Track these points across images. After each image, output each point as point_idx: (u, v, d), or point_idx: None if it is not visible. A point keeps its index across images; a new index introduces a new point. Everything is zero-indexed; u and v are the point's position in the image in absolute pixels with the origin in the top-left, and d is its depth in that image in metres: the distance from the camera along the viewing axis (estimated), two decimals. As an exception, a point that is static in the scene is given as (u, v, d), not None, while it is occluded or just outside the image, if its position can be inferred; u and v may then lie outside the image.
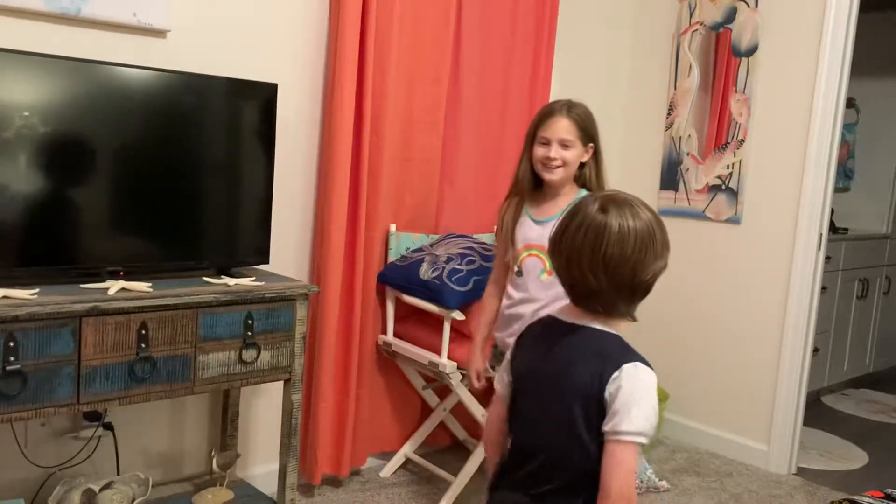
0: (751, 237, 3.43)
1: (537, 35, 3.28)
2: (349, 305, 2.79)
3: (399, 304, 2.90)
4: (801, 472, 3.40)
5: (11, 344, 1.82)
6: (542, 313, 1.98)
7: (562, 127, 2.15)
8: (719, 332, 3.54)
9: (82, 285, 2.04)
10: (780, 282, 3.34)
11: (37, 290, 1.93)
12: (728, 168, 3.49)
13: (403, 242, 2.96)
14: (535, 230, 2.18)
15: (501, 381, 1.53)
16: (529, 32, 3.26)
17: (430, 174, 3.04)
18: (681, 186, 3.66)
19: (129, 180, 2.21)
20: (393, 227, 2.93)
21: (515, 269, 2.23)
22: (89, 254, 2.16)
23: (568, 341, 1.41)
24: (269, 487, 2.66)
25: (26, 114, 2.00)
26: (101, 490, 2.28)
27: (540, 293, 2.17)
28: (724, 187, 3.50)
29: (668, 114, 3.71)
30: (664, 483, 3.11)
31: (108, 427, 2.41)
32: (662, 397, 3.54)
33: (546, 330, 1.47)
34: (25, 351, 1.84)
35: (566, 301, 1.44)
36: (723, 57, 3.51)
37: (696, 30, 3.60)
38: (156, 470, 2.56)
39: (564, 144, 2.14)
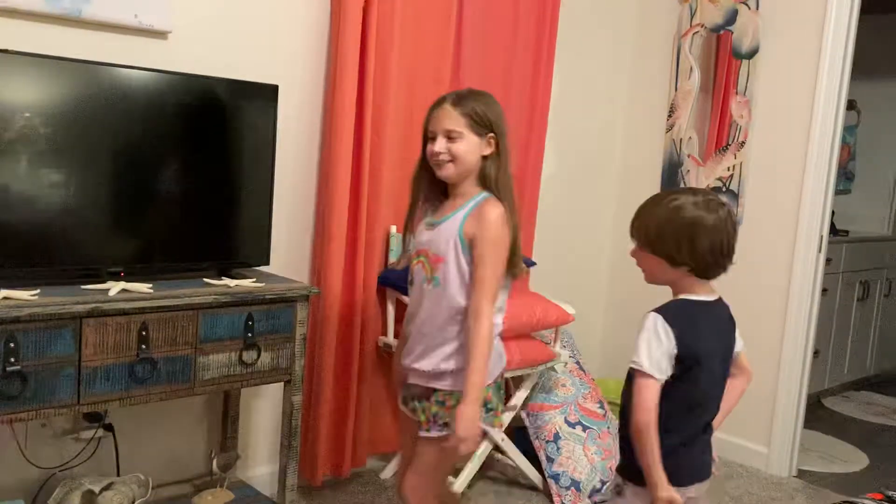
0: (751, 239, 3.42)
1: (538, 37, 3.29)
2: (350, 307, 2.79)
3: (399, 305, 2.90)
4: (801, 474, 3.40)
5: (12, 345, 1.82)
6: (425, 330, 1.95)
7: (446, 117, 1.91)
8: (720, 334, 3.54)
9: (83, 286, 2.04)
10: (780, 284, 3.34)
11: (38, 291, 1.93)
12: (729, 170, 3.49)
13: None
14: (426, 234, 1.99)
15: (661, 369, 1.67)
16: (530, 34, 3.26)
17: (431, 176, 3.03)
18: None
19: (130, 181, 2.21)
20: (393, 229, 2.93)
21: (409, 277, 2.04)
22: (90, 255, 2.16)
23: (720, 315, 1.84)
24: (269, 489, 2.66)
25: (27, 115, 2.00)
26: (101, 491, 2.28)
27: (421, 303, 1.97)
28: (724, 189, 3.50)
29: (669, 116, 3.71)
30: (664, 485, 3.10)
31: (109, 428, 2.40)
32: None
33: (700, 311, 1.77)
34: (26, 352, 1.85)
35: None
36: (724, 59, 3.51)
37: (697, 32, 3.60)
38: (156, 471, 2.55)
39: (450, 136, 1.90)
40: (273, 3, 2.62)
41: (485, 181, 1.94)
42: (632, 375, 1.71)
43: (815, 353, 3.50)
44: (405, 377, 2.04)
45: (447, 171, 1.93)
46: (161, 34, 2.39)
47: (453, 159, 1.91)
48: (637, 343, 1.69)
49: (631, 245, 1.81)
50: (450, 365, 1.92)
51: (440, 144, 1.90)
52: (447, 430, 1.89)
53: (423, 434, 1.95)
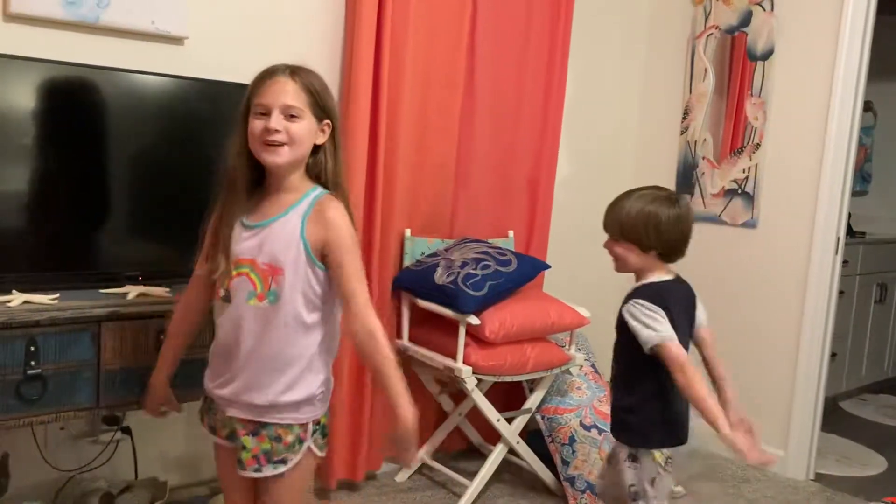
0: (767, 241, 3.41)
1: (552, 39, 3.29)
2: (365, 310, 2.79)
3: (414, 308, 2.90)
4: (818, 477, 3.37)
5: (32, 348, 1.84)
6: (254, 356, 1.66)
7: (284, 90, 1.61)
8: (735, 336, 3.51)
9: (101, 290, 2.06)
10: (796, 286, 3.32)
11: (57, 295, 1.96)
12: (744, 172, 3.48)
13: (418, 247, 2.97)
14: (247, 241, 1.66)
15: (672, 334, 1.90)
16: (544, 36, 3.26)
17: (445, 179, 3.04)
18: (696, 191, 3.64)
19: (147, 186, 2.23)
20: (408, 232, 2.94)
21: (222, 292, 1.69)
22: (108, 259, 2.18)
23: (684, 290, 2.06)
24: (285, 491, 2.67)
25: (43, 120, 2.03)
26: (119, 493, 2.30)
27: (246, 324, 1.65)
28: (739, 191, 3.49)
29: (684, 118, 3.70)
30: (680, 489, 3.09)
31: (127, 431, 2.42)
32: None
33: (667, 289, 1.98)
34: (46, 355, 1.87)
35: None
36: (738, 61, 3.49)
37: (712, 34, 3.59)
38: (173, 474, 2.57)
39: (290, 114, 1.60)
40: (288, 9, 2.64)
41: (318, 175, 1.69)
42: (627, 350, 1.96)
43: (832, 355, 3.48)
44: (217, 401, 1.75)
45: (281, 157, 1.61)
46: (177, 40, 2.41)
47: (290, 142, 1.61)
48: (639, 329, 1.90)
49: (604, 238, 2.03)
50: (290, 397, 1.67)
51: (277, 121, 1.59)
52: (284, 468, 1.68)
53: (248, 473, 1.70)
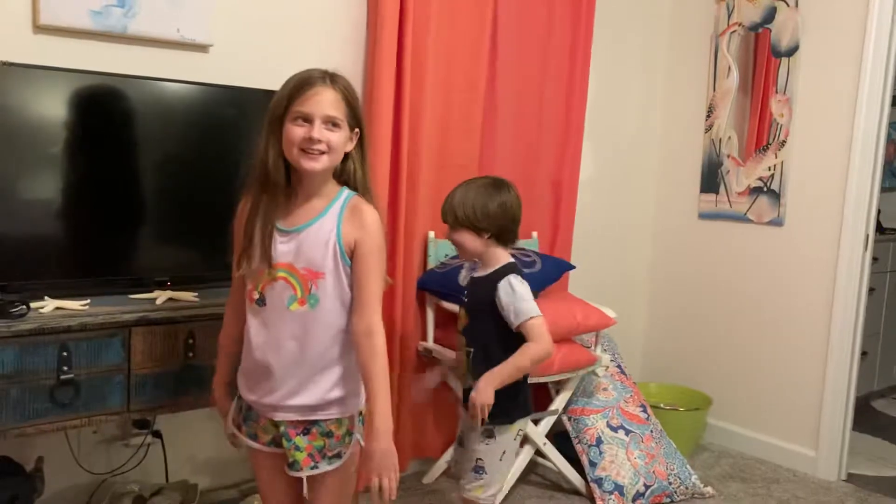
0: (794, 239, 3.37)
1: (573, 39, 3.28)
2: (389, 312, 2.80)
3: (439, 310, 2.91)
4: (851, 478, 3.32)
5: (65, 353, 1.87)
6: (299, 360, 1.67)
7: (327, 101, 1.63)
8: (764, 335, 3.49)
9: (131, 295, 2.09)
10: (825, 284, 3.28)
11: (88, 301, 1.99)
12: (770, 169, 3.44)
13: (442, 249, 2.97)
14: (282, 245, 1.67)
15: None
16: (566, 36, 3.26)
17: (468, 181, 3.04)
18: (721, 189, 3.61)
19: (175, 192, 2.26)
20: (432, 234, 2.95)
21: (255, 295, 1.70)
22: (137, 265, 2.21)
23: None
24: (313, 494, 2.69)
25: (73, 129, 2.06)
26: (150, 496, 2.33)
27: (287, 328, 1.67)
28: (765, 189, 3.46)
29: (708, 116, 3.68)
30: (709, 489, 3.07)
31: (157, 434, 2.45)
32: (705, 402, 3.50)
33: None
34: (78, 360, 1.90)
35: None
36: (762, 57, 3.46)
37: (735, 31, 3.56)
38: (203, 476, 2.60)
39: (332, 123, 1.63)
40: (310, 14, 2.66)
41: (346, 182, 1.73)
42: (494, 329, 2.08)
43: (863, 353, 3.43)
44: (242, 411, 1.78)
45: (320, 164, 1.64)
46: (202, 47, 2.44)
47: (328, 151, 1.64)
48: (520, 304, 2.04)
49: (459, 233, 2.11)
50: (337, 393, 1.71)
51: (320, 131, 1.62)
52: (339, 462, 1.73)
53: (304, 473, 1.71)
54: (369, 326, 1.66)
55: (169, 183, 2.25)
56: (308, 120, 1.62)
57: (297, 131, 1.62)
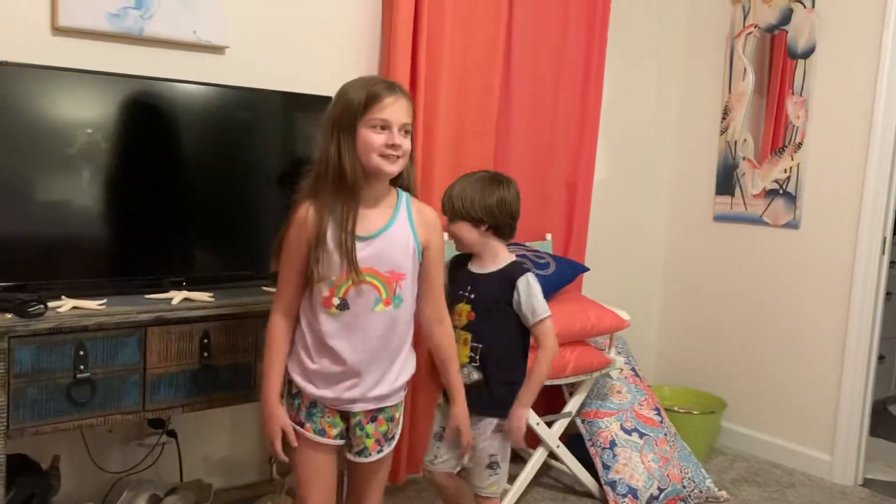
0: (810, 242, 3.35)
1: (588, 41, 3.28)
2: (404, 314, 2.81)
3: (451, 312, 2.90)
4: (867, 483, 3.30)
5: (82, 353, 1.89)
6: (378, 356, 1.80)
7: (403, 109, 1.73)
8: (779, 339, 3.47)
9: (147, 296, 2.10)
10: (841, 287, 3.25)
11: (104, 301, 2.00)
12: (785, 172, 3.42)
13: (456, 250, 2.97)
14: (362, 250, 1.73)
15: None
16: (580, 38, 3.26)
17: (482, 183, 3.04)
18: (737, 191, 3.60)
19: (190, 193, 2.27)
20: (445, 236, 2.94)
21: (336, 301, 1.75)
22: (153, 265, 2.22)
23: None
24: (326, 494, 2.69)
25: (90, 130, 2.08)
26: (165, 495, 2.34)
27: (373, 328, 1.76)
28: (781, 191, 3.43)
29: (723, 118, 3.66)
30: (724, 493, 3.05)
31: (172, 434, 2.47)
32: (720, 406, 3.48)
33: None
34: (94, 359, 1.91)
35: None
36: (778, 59, 3.44)
37: (751, 32, 3.54)
38: (217, 476, 2.61)
39: (405, 130, 1.75)
40: (325, 17, 2.67)
41: (399, 182, 1.83)
42: (508, 326, 2.12)
43: (880, 358, 3.40)
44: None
45: (397, 167, 1.75)
46: (218, 49, 2.45)
47: (403, 155, 1.76)
48: (536, 303, 2.08)
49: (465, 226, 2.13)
50: (403, 379, 1.87)
51: (399, 137, 1.72)
52: (394, 442, 1.90)
53: (372, 458, 1.86)
54: (440, 314, 1.92)
55: (185, 184, 2.26)
56: (386, 127, 1.71)
57: (377, 138, 1.71)
